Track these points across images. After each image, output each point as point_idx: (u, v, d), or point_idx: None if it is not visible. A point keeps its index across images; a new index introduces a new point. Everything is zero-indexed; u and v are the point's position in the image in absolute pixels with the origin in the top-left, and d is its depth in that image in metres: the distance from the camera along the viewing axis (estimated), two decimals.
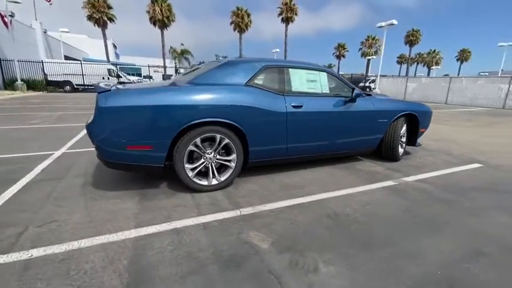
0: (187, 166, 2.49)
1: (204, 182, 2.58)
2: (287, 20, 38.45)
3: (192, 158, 2.54)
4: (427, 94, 18.22)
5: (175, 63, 38.21)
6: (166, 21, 31.06)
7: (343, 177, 3.15)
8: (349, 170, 3.44)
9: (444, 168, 3.59)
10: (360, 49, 48.04)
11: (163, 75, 29.51)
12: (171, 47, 39.71)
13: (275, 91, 2.81)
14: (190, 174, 2.51)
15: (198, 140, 2.47)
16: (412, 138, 4.01)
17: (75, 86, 18.36)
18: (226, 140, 2.56)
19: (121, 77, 19.24)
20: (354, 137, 3.43)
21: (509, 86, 14.07)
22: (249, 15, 36.98)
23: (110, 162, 2.37)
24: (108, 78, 18.50)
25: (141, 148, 2.32)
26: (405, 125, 3.80)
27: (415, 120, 3.84)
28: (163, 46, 32.05)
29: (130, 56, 45.12)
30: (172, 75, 27.71)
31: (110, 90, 2.20)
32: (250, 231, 1.97)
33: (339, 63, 47.46)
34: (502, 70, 32.71)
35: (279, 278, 1.50)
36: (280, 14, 38.33)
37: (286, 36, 39.29)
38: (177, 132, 2.37)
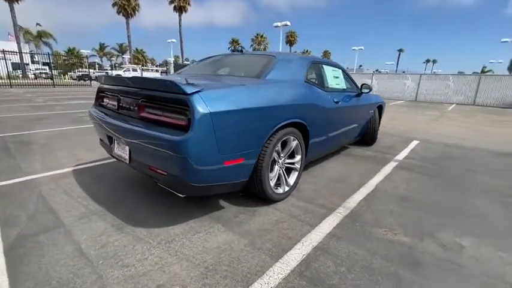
0: (270, 175, 2.16)
1: (280, 190, 2.32)
2: (180, 9, 36.41)
3: (272, 165, 2.22)
4: None
5: (32, 50, 29.48)
6: None
7: (358, 164, 3.53)
8: (352, 157, 3.87)
9: (404, 146, 4.61)
10: (251, 45, 51.58)
11: (12, 63, 21.80)
12: (21, 28, 30.23)
13: (320, 87, 2.80)
14: (272, 184, 2.19)
15: (279, 145, 2.18)
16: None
17: None
18: (296, 142, 2.37)
19: None
20: (361, 126, 3.91)
21: (419, 82, 17.94)
22: None
23: (198, 188, 1.74)
24: None
25: (236, 162, 1.83)
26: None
27: (381, 109, 4.71)
28: (15, 25, 23.71)
29: None
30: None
31: (201, 89, 1.59)
32: (375, 228, 1.99)
33: None
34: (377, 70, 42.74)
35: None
36: (172, 1, 35.79)
37: (180, 26, 37.25)
38: (267, 138, 2.01)
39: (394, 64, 79.92)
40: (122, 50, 55.52)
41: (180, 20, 36.77)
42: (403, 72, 39.93)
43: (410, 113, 10.09)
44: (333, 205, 2.33)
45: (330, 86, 3.04)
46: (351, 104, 3.38)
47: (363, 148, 4.37)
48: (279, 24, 22.21)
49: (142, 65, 41.60)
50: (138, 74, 27.65)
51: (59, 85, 17.70)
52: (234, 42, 49.12)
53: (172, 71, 28.36)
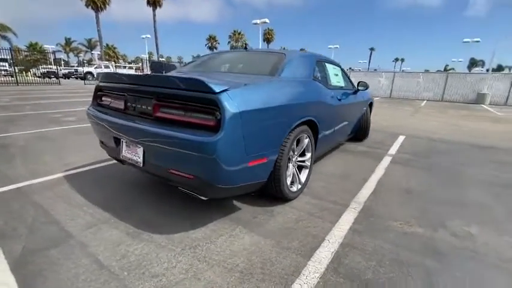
0: (287, 174, 2.15)
1: (294, 189, 2.31)
2: (154, 4, 35.04)
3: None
4: None
5: None
6: None
7: (356, 160, 3.64)
8: (348, 153, 3.98)
9: (392, 141, 4.83)
10: (229, 42, 51.10)
11: None
12: None
13: (324, 85, 2.83)
14: (288, 182, 2.18)
15: (294, 143, 2.17)
16: None
17: None
18: (308, 139, 2.38)
19: None
20: (356, 122, 4.02)
21: (393, 80, 18.63)
22: None
23: (224, 190, 1.67)
24: None
25: (259, 162, 1.78)
26: None
27: (371, 106, 4.88)
28: None
29: None
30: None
31: (229, 87, 1.51)
32: (390, 221, 2.05)
33: None
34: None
35: None
36: None
37: (155, 21, 35.85)
38: (286, 137, 1.99)
39: (367, 62, 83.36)
40: (90, 46, 52.30)
41: (154, 15, 35.37)
42: (375, 70, 41.89)
43: (389, 109, 10.60)
44: (345, 201, 2.37)
45: (332, 84, 3.08)
46: (350, 101, 3.46)
47: (355, 144, 4.50)
48: (258, 21, 22.18)
49: (114, 62, 39.50)
50: (110, 70, 26.26)
51: (22, 83, 16.25)
52: (212, 39, 48.34)
53: (147, 68, 27.27)
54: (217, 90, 1.47)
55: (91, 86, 17.97)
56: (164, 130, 1.61)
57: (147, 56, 40.06)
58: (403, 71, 18.50)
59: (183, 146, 1.53)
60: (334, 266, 1.54)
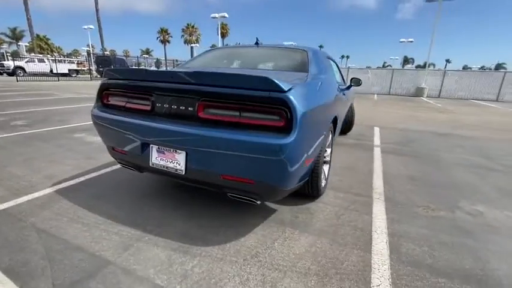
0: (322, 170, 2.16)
1: (322, 184, 2.33)
2: None
3: None
4: None
5: None
6: None
7: (351, 152, 3.85)
8: (340, 145, 4.18)
9: (372, 133, 5.22)
10: (182, 36, 48.90)
11: None
12: None
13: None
14: (322, 178, 2.20)
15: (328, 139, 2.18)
16: None
17: None
18: (331, 135, 2.43)
19: None
20: (347, 116, 4.21)
21: (347, 75, 19.72)
22: None
23: (284, 192, 1.58)
24: None
25: (311, 160, 1.74)
26: None
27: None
28: None
29: None
30: None
31: (293, 86, 1.42)
32: (414, 207, 2.22)
33: (165, 48, 45.82)
34: None
35: None
36: None
37: (97, 10, 32.25)
38: (325, 134, 1.99)
39: None
40: (15, 36, 44.63)
41: (96, 3, 31.76)
42: None
43: None
44: (367, 192, 2.49)
45: (337, 80, 3.18)
46: (347, 96, 3.63)
47: (341, 137, 4.74)
48: (216, 15, 21.62)
49: (48, 55, 34.45)
50: (46, 65, 22.84)
51: None
52: (164, 32, 45.52)
53: (92, 62, 24.46)
54: (286, 88, 1.38)
55: (26, 83, 15.45)
56: (222, 133, 1.46)
57: (89, 48, 35.88)
58: (349, 67, 20.09)
59: (249, 150, 1.41)
60: (395, 256, 1.61)
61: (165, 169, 1.72)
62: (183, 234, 1.75)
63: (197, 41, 49.34)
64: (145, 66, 30.70)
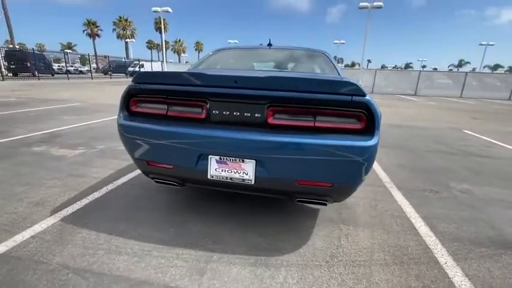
0: None
1: None
2: None
3: None
4: None
5: None
6: None
7: None
8: None
9: None
10: (114, 30, 44.20)
11: None
12: None
13: None
14: None
15: None
16: None
17: None
18: None
19: None
20: None
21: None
22: None
23: (355, 191, 1.62)
24: None
25: None
26: None
27: None
28: None
29: None
30: None
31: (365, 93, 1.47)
32: (423, 191, 2.55)
33: (94, 43, 40.39)
34: None
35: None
36: None
37: None
38: None
39: None
40: None
41: None
42: None
43: None
44: (378, 182, 2.76)
45: None
46: None
47: None
48: (158, 9, 20.11)
49: None
50: None
51: None
52: (91, 24, 40.12)
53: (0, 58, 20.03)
54: (366, 92, 1.44)
55: None
56: (302, 139, 1.43)
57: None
58: None
59: (332, 153, 1.42)
60: (439, 236, 1.85)
61: (229, 180, 1.60)
62: (250, 247, 1.66)
63: (132, 35, 45.21)
64: (66, 62, 26.62)
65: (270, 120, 1.52)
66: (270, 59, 2.72)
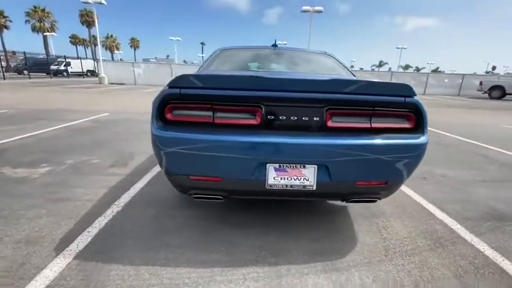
0: None
1: None
2: None
3: None
4: (153, 78, 20.37)
5: None
6: None
7: None
8: None
9: None
10: (27, 21, 37.47)
11: None
12: None
13: None
14: None
15: None
16: None
17: None
18: None
19: None
20: None
21: None
22: None
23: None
24: None
25: None
26: None
27: None
28: None
29: None
30: None
31: None
32: (422, 180, 2.88)
33: (1, 36, 33.14)
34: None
35: None
36: None
37: None
38: None
39: (206, 56, 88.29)
40: None
41: None
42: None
43: None
44: None
45: None
46: None
47: None
48: (89, 0, 17.68)
49: None
50: None
51: None
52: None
53: None
54: (416, 93, 1.54)
55: None
56: (364, 140, 1.46)
57: None
58: None
59: (392, 152, 1.49)
60: (454, 217, 2.11)
61: (289, 188, 1.53)
62: (310, 253, 1.63)
63: (52, 29, 38.96)
64: None
65: (329, 123, 1.51)
66: (286, 61, 2.67)
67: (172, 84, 1.47)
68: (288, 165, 1.51)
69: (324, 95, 1.48)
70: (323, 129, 1.50)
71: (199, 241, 1.72)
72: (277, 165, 1.50)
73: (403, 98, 1.51)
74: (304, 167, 1.51)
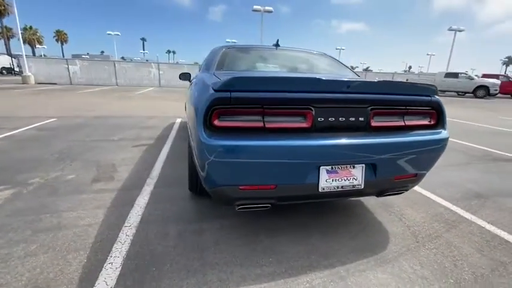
0: None
1: None
2: None
3: None
4: (93, 77, 18.14)
5: None
6: None
7: None
8: None
9: None
10: None
11: None
12: None
13: None
14: None
15: None
16: None
17: None
18: None
19: None
20: None
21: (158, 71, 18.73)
22: None
23: None
24: None
25: None
26: None
27: None
28: None
29: None
30: None
31: None
32: None
33: None
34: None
35: None
36: None
37: None
38: None
39: (143, 53, 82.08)
40: None
41: None
42: (147, 60, 41.69)
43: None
44: None
45: None
46: None
47: None
48: None
49: None
50: None
51: None
52: None
53: None
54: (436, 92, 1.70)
55: None
56: (406, 137, 1.57)
57: None
58: (177, 62, 20.40)
59: (426, 147, 1.63)
60: (455, 201, 2.41)
61: (339, 189, 1.54)
62: (352, 252, 1.66)
63: None
64: None
65: (373, 123, 1.57)
66: (295, 61, 2.66)
67: (221, 88, 1.33)
68: (339, 166, 1.52)
69: (370, 96, 1.53)
70: (367, 129, 1.56)
71: (241, 255, 1.60)
72: (329, 168, 1.50)
73: (430, 97, 1.66)
74: (353, 167, 1.54)
